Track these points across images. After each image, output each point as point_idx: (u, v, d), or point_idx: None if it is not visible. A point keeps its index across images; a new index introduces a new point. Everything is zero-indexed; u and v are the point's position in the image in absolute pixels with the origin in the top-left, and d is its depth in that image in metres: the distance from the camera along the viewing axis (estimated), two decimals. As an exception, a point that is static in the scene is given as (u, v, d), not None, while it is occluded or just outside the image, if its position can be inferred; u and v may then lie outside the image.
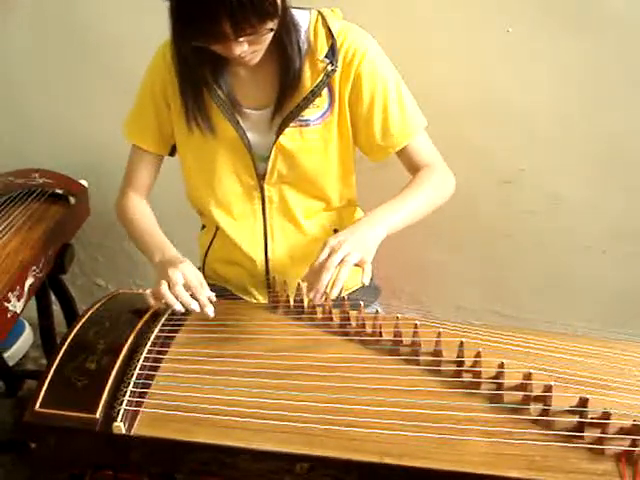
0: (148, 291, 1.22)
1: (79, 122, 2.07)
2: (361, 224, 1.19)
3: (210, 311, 1.16)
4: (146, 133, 1.38)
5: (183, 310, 1.16)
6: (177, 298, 1.16)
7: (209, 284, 1.41)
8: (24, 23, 1.96)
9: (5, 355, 2.27)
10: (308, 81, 1.25)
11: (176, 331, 1.21)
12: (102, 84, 1.98)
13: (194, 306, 1.15)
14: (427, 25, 1.62)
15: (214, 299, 1.20)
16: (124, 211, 1.41)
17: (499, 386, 1.03)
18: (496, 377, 1.04)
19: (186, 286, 1.18)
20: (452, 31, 1.61)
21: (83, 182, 1.86)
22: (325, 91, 1.27)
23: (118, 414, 1.03)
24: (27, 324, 2.45)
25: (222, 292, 1.49)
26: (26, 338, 2.43)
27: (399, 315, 1.16)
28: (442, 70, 1.67)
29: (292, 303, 1.27)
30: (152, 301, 1.21)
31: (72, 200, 1.77)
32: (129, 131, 1.40)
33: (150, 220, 1.39)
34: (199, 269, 1.56)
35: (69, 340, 1.20)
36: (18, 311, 1.40)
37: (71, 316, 2.00)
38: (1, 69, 2.06)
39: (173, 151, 1.42)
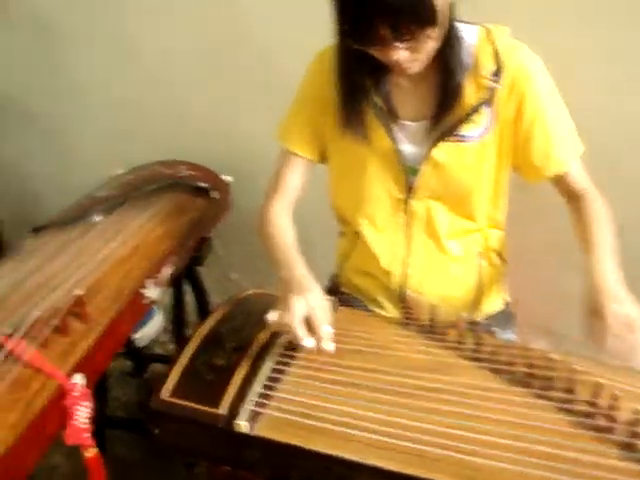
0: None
1: (231, 121, 2.12)
2: (615, 285, 1.11)
3: (329, 347, 1.12)
4: (300, 137, 1.38)
5: (302, 344, 1.12)
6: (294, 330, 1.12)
7: (342, 293, 1.39)
8: (187, 25, 2.03)
9: (135, 336, 2.36)
10: (469, 97, 1.22)
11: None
12: (258, 85, 2.01)
13: (307, 343, 1.11)
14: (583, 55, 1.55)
15: (332, 333, 1.14)
16: (265, 217, 1.38)
17: (635, 434, 0.96)
18: (633, 424, 0.96)
19: (307, 317, 1.13)
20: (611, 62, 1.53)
21: (228, 178, 1.90)
22: (486, 109, 1.23)
23: (242, 413, 1.03)
24: (158, 309, 2.53)
25: (354, 302, 1.47)
26: (157, 322, 2.51)
27: (534, 346, 1.11)
28: (599, 99, 1.59)
29: (425, 322, 1.24)
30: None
31: (215, 194, 1.80)
32: (282, 134, 1.40)
33: (287, 232, 1.35)
34: (334, 277, 1.55)
35: (201, 334, 1.22)
36: (154, 298, 1.44)
37: (203, 307, 2.05)
38: (165, 69, 2.14)
39: (324, 158, 1.41)
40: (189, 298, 2.04)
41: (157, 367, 2.33)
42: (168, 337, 2.47)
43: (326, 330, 1.12)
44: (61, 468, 1.96)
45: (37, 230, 1.65)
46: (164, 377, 1.14)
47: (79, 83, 2.32)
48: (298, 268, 1.22)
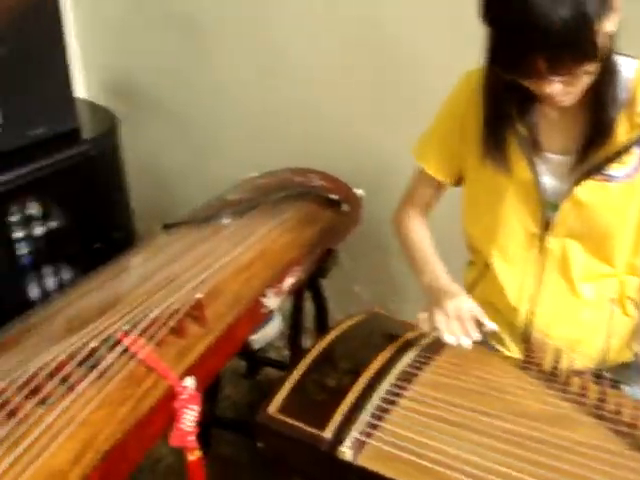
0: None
1: (369, 131, 2.10)
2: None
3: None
4: (436, 159, 1.35)
5: (453, 342, 1.16)
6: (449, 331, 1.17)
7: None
8: (334, 41, 2.04)
9: (251, 338, 2.38)
10: (620, 135, 1.13)
11: (423, 369, 1.15)
12: (403, 101, 1.99)
13: (464, 341, 1.16)
14: None
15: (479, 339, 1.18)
16: (401, 225, 1.42)
17: None
18: None
19: (459, 319, 1.18)
20: None
21: (359, 191, 1.87)
22: (637, 149, 1.14)
23: (347, 439, 1.00)
24: (277, 314, 2.54)
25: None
26: (274, 326, 2.52)
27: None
28: None
29: (548, 367, 1.16)
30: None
31: (346, 208, 1.78)
32: (419, 153, 1.38)
33: (426, 239, 1.39)
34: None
35: (316, 351, 1.20)
36: (273, 307, 1.43)
37: (322, 316, 2.04)
38: (307, 79, 2.16)
39: (458, 181, 1.37)
40: (309, 304, 2.04)
41: (270, 371, 2.34)
42: (284, 342, 2.48)
43: (491, 326, 1.20)
44: (166, 460, 2.00)
45: (168, 227, 1.69)
46: (274, 391, 1.13)
47: (221, 83, 2.37)
48: (443, 276, 1.29)
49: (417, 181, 1.41)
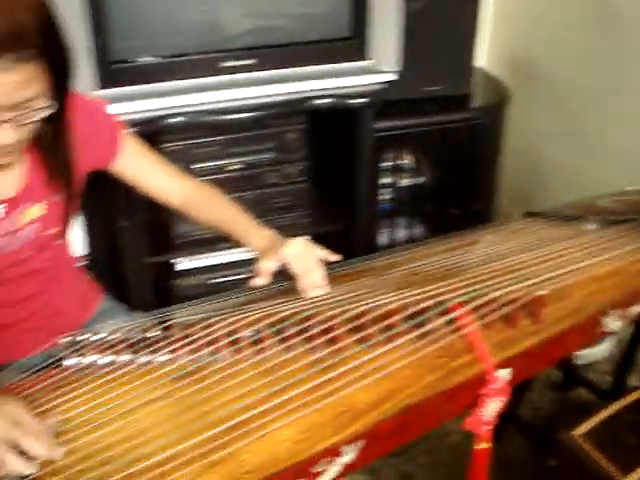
0: None
1: None
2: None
3: None
4: None
5: None
6: None
7: None
8: None
9: (577, 352, 2.25)
10: None
11: None
12: None
13: None
14: None
15: None
16: None
17: None
18: None
19: None
20: None
21: None
22: None
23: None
24: (612, 337, 2.37)
25: None
26: (605, 349, 2.35)
27: None
28: None
29: None
30: None
31: None
32: None
33: None
34: None
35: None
36: (611, 329, 1.32)
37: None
38: None
39: None
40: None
41: (583, 392, 2.20)
42: (609, 368, 2.30)
43: None
44: (453, 436, 2.00)
45: (530, 215, 1.64)
46: (586, 416, 1.06)
47: (632, 82, 2.20)
48: None
49: None
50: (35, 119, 1.00)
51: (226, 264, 2.22)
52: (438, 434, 2.01)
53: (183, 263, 2.19)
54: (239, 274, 2.18)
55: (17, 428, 0.88)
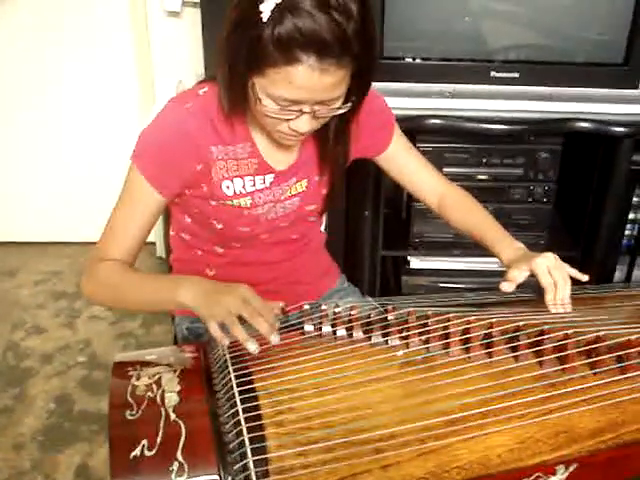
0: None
1: None
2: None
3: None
4: None
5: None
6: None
7: None
8: None
9: None
10: None
11: None
12: None
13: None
14: None
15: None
16: None
17: None
18: None
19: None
20: None
21: None
22: None
23: None
24: None
25: None
26: None
27: None
28: None
29: None
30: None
31: None
32: None
33: None
34: None
35: None
36: None
37: None
38: None
39: None
40: None
41: None
42: None
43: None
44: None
45: None
46: None
47: None
48: None
49: None
50: (330, 115, 1.11)
51: (458, 270, 2.21)
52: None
53: (417, 262, 2.22)
54: (469, 283, 2.17)
55: (247, 306, 1.00)
